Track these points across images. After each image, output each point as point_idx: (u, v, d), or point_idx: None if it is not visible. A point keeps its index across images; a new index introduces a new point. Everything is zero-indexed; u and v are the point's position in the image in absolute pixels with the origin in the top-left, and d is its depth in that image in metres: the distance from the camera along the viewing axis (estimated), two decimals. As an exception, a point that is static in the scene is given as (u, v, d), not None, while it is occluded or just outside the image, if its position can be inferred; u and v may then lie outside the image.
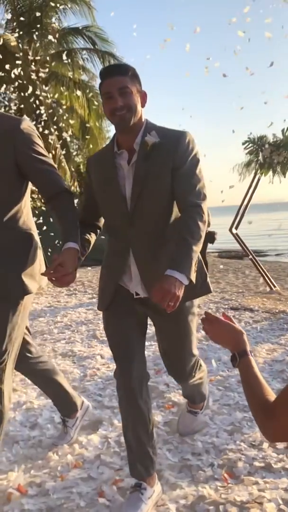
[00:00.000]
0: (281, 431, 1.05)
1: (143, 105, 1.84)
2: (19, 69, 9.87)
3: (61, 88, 13.26)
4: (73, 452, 2.33)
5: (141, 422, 1.87)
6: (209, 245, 8.14)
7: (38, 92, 12.00)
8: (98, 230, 2.10)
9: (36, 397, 3.06)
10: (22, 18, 12.77)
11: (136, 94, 1.78)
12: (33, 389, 3.19)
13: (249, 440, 2.38)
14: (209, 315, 1.42)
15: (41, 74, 11.87)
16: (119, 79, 1.73)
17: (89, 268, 10.33)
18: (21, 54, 9.72)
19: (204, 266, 1.98)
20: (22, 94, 10.58)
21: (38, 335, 4.77)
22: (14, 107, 12.45)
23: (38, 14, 12.23)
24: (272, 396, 1.11)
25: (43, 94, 12.41)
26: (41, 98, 11.95)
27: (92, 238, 2.04)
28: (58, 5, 13.35)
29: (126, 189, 1.83)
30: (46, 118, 12.09)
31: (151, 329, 4.55)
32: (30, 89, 9.57)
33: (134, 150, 1.81)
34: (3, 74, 9.01)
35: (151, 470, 1.90)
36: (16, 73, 9.02)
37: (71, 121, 13.59)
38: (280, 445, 2.31)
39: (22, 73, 10.31)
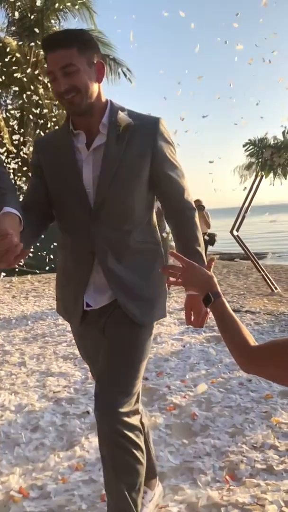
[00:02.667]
0: (259, 371, 1.15)
1: (99, 80, 1.50)
2: (20, 71, 9.91)
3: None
4: (75, 455, 2.33)
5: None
6: (210, 247, 8.16)
7: (39, 95, 12.04)
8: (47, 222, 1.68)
9: (37, 400, 3.06)
10: (22, 22, 12.83)
11: (86, 70, 1.44)
12: (34, 392, 3.19)
13: (251, 442, 2.38)
14: (180, 258, 1.38)
15: (41, 78, 11.91)
16: (62, 54, 1.40)
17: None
18: (21, 57, 9.74)
19: (165, 286, 1.73)
20: (24, 96, 10.61)
21: (39, 338, 4.78)
22: (16, 112, 12.48)
23: (39, 17, 12.29)
24: (249, 336, 1.17)
25: (44, 97, 12.46)
26: (42, 101, 11.99)
27: (40, 230, 1.62)
28: (61, 6, 13.41)
29: (86, 178, 1.54)
30: (47, 121, 12.12)
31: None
32: (31, 92, 9.60)
33: (95, 132, 1.52)
34: (4, 78, 9.04)
35: (150, 474, 1.88)
36: (17, 76, 9.06)
37: None
38: (282, 447, 2.31)
39: (23, 76, 10.34)
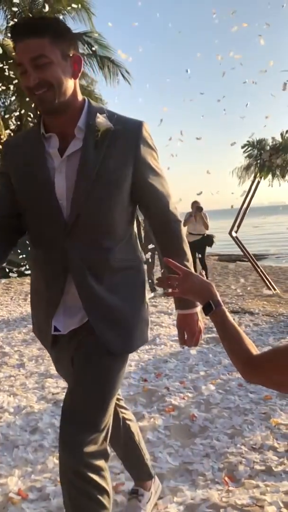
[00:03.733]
0: (263, 381, 1.13)
1: (75, 75, 1.35)
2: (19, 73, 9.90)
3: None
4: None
5: None
6: (208, 248, 8.16)
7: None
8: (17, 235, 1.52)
9: (36, 402, 3.06)
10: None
11: (60, 63, 1.28)
12: (33, 394, 3.19)
13: (250, 444, 2.38)
14: (177, 266, 1.32)
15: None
16: (33, 43, 1.24)
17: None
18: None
19: (147, 309, 1.57)
20: (23, 98, 10.62)
21: (37, 341, 4.76)
22: (14, 113, 12.49)
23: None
24: (251, 345, 1.15)
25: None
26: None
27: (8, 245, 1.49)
28: (60, 8, 13.42)
29: (59, 188, 1.37)
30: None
31: (150, 333, 4.55)
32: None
33: (70, 137, 1.36)
34: (2, 79, 9.06)
35: (145, 476, 1.86)
36: (16, 77, 9.07)
37: None
38: (281, 448, 2.31)
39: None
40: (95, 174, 1.34)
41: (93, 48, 13.99)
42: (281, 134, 7.02)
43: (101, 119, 1.35)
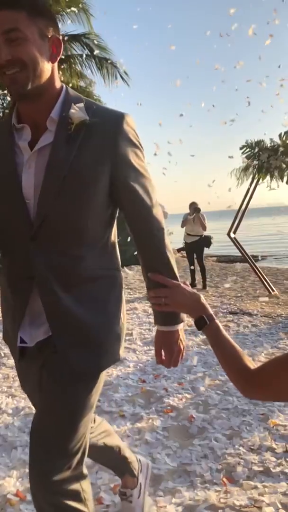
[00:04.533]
0: (262, 395, 1.09)
1: (53, 59, 1.21)
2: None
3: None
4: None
5: None
6: (206, 249, 8.17)
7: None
8: None
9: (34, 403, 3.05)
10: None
11: (36, 41, 1.15)
12: (31, 395, 3.18)
13: (248, 445, 2.38)
14: (164, 280, 1.28)
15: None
16: (6, 15, 1.12)
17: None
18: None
19: (121, 325, 1.39)
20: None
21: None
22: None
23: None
24: (248, 360, 1.10)
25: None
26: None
27: None
28: (59, 9, 13.44)
29: (27, 186, 1.22)
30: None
31: (149, 334, 4.53)
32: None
33: (42, 128, 1.22)
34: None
35: (129, 475, 1.78)
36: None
37: None
38: (279, 450, 2.31)
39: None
40: (66, 171, 1.19)
41: (94, 53, 14.00)
42: (279, 136, 7.04)
43: (75, 110, 1.19)
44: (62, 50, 1.24)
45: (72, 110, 1.20)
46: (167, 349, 1.38)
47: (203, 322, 1.18)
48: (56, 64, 1.23)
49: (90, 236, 1.27)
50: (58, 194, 1.20)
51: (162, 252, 1.32)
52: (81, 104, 1.21)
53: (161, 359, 1.40)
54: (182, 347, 1.39)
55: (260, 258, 11.96)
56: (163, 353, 1.39)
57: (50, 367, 1.28)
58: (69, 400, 1.25)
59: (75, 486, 1.25)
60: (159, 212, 1.33)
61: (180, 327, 1.37)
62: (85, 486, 1.29)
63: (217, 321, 1.18)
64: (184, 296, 1.24)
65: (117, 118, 1.25)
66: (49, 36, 1.19)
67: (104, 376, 1.36)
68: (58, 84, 1.25)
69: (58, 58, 1.22)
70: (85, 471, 1.30)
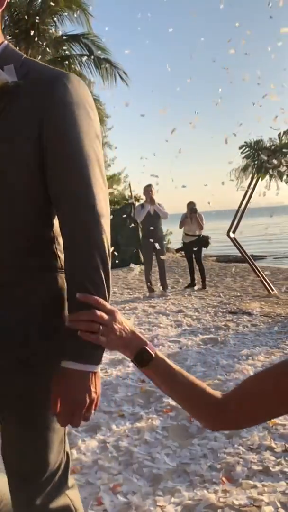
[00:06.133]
0: (241, 422, 0.93)
1: None
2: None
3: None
4: (71, 458, 2.32)
5: None
6: (204, 249, 8.18)
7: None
8: None
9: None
10: (18, 25, 12.88)
11: None
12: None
13: (247, 444, 2.38)
14: (98, 302, 0.95)
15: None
16: None
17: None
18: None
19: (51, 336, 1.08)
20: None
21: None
22: None
23: (34, 20, 12.33)
24: (209, 389, 0.94)
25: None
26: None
27: None
28: (57, 9, 13.44)
29: None
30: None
31: (148, 334, 4.52)
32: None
33: None
34: None
35: None
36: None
37: None
38: (278, 449, 2.32)
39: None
40: None
41: (93, 53, 13.99)
42: (279, 135, 7.04)
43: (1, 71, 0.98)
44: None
45: None
46: (68, 398, 0.95)
47: (147, 356, 0.93)
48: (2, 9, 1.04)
49: (14, 226, 1.00)
50: None
51: (90, 257, 0.96)
52: (11, 66, 0.99)
53: (55, 410, 0.97)
54: (91, 400, 0.97)
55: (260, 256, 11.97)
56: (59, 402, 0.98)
57: None
58: (24, 430, 1.06)
59: (62, 501, 1.11)
60: (98, 203, 0.98)
61: (98, 369, 0.97)
62: (73, 496, 1.15)
63: (160, 353, 0.96)
64: (124, 325, 0.96)
65: (52, 78, 0.99)
66: None
67: None
68: (1, 38, 1.04)
69: (5, 3, 1.03)
70: (70, 482, 1.15)
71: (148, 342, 0.96)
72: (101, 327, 0.93)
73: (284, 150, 6.87)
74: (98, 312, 0.93)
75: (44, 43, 12.14)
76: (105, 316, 0.93)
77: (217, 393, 0.93)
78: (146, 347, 0.94)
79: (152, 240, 7.20)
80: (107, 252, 0.98)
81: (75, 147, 0.97)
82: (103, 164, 1.03)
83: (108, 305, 0.96)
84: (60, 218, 1.01)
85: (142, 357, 0.94)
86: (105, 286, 0.97)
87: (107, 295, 0.98)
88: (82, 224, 0.96)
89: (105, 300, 0.97)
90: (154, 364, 0.94)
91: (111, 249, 1.03)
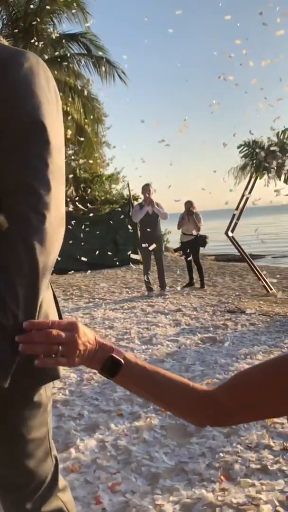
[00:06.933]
0: (235, 415, 0.84)
1: None
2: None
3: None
4: (70, 457, 2.32)
5: None
6: (201, 249, 8.18)
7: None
8: None
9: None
10: (17, 24, 12.87)
11: None
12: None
13: (246, 442, 2.38)
14: (45, 325, 0.81)
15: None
16: None
17: (88, 272, 10.33)
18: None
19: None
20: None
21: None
22: None
23: (33, 19, 12.32)
24: (193, 384, 0.86)
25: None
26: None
27: None
28: (56, 8, 13.42)
29: None
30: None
31: (147, 333, 4.53)
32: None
33: None
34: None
35: None
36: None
37: (64, 124, 13.62)
38: (276, 447, 2.32)
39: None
40: None
41: (91, 53, 13.96)
42: (277, 134, 7.04)
43: None
44: None
45: None
46: None
47: (116, 363, 0.83)
48: None
49: None
50: None
51: (17, 255, 0.81)
52: None
53: None
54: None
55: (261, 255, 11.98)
56: None
57: None
58: (13, 434, 1.02)
59: (55, 504, 1.09)
60: (42, 197, 0.84)
61: (4, 384, 0.82)
62: (65, 498, 1.13)
63: (126, 353, 0.86)
64: (86, 335, 0.83)
65: (7, 57, 0.90)
66: None
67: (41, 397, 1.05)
68: None
69: None
70: (61, 484, 1.12)
71: (114, 347, 0.85)
72: (60, 347, 0.79)
73: (281, 148, 6.87)
74: (54, 331, 0.79)
75: (42, 42, 12.11)
76: (62, 334, 0.79)
77: (204, 387, 0.86)
78: (113, 354, 0.83)
79: (147, 245, 7.15)
80: (49, 266, 0.86)
81: (27, 137, 0.87)
82: (63, 149, 0.94)
83: (63, 321, 0.82)
84: (9, 212, 0.85)
85: (110, 365, 0.83)
86: (32, 295, 0.82)
87: (35, 313, 0.84)
88: (18, 218, 0.84)
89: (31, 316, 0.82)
90: (126, 370, 0.83)
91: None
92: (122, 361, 0.83)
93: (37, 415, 1.03)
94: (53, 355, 0.80)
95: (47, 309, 1.02)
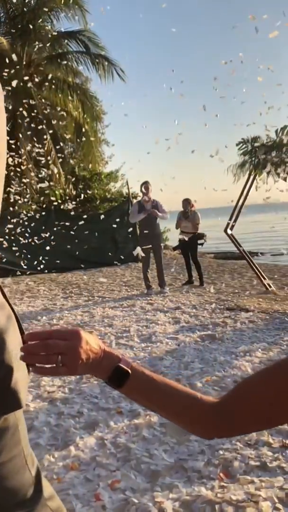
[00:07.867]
0: (242, 425, 0.81)
1: None
2: (12, 71, 9.90)
3: (56, 91, 13.30)
4: (69, 454, 2.33)
5: None
6: (199, 247, 8.18)
7: (32, 95, 12.03)
8: None
9: (32, 400, 3.06)
10: (15, 22, 12.83)
11: None
12: (29, 392, 3.18)
13: (245, 440, 2.39)
14: (57, 333, 0.82)
15: (35, 77, 11.89)
16: None
17: (87, 270, 10.33)
18: (14, 56, 9.74)
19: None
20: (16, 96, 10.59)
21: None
22: (8, 114, 12.44)
23: (31, 17, 12.29)
24: (200, 394, 0.85)
25: (37, 96, 12.44)
26: (35, 101, 11.96)
27: None
28: (53, 5, 13.38)
29: None
30: (40, 121, 12.10)
31: (146, 331, 4.53)
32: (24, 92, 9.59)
33: None
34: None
35: None
36: (8, 75, 9.04)
37: (63, 122, 13.59)
38: (276, 444, 2.33)
39: (15, 75, 10.31)
40: None
41: (89, 50, 13.91)
42: (276, 132, 7.03)
43: None
44: None
45: None
46: None
47: (123, 373, 0.82)
48: None
49: None
50: None
51: None
52: None
53: None
54: None
55: (259, 254, 11.98)
56: None
57: None
58: None
59: None
60: None
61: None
62: (54, 505, 1.13)
63: (133, 363, 0.84)
64: (89, 343, 0.82)
65: None
66: None
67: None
68: None
69: None
70: (47, 492, 1.12)
71: (121, 357, 0.83)
72: (59, 356, 0.79)
73: (280, 146, 6.86)
74: (51, 341, 0.79)
75: (41, 40, 12.09)
76: (60, 344, 0.80)
77: (211, 398, 0.85)
78: (120, 364, 0.82)
79: (151, 245, 7.15)
80: None
81: None
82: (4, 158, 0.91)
83: (65, 329, 0.82)
84: None
85: (117, 375, 0.82)
86: None
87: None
88: None
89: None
90: (133, 380, 0.82)
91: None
92: (130, 371, 0.82)
93: (6, 439, 1.00)
94: (54, 364, 0.80)
95: None
